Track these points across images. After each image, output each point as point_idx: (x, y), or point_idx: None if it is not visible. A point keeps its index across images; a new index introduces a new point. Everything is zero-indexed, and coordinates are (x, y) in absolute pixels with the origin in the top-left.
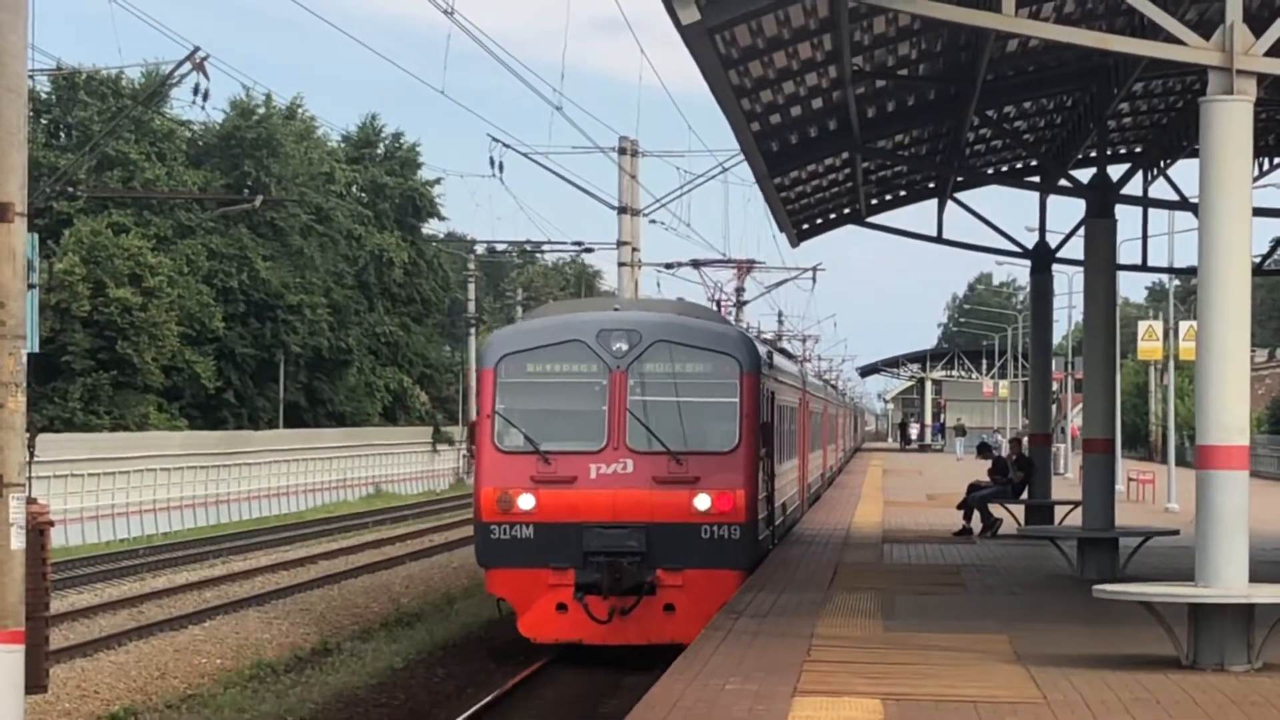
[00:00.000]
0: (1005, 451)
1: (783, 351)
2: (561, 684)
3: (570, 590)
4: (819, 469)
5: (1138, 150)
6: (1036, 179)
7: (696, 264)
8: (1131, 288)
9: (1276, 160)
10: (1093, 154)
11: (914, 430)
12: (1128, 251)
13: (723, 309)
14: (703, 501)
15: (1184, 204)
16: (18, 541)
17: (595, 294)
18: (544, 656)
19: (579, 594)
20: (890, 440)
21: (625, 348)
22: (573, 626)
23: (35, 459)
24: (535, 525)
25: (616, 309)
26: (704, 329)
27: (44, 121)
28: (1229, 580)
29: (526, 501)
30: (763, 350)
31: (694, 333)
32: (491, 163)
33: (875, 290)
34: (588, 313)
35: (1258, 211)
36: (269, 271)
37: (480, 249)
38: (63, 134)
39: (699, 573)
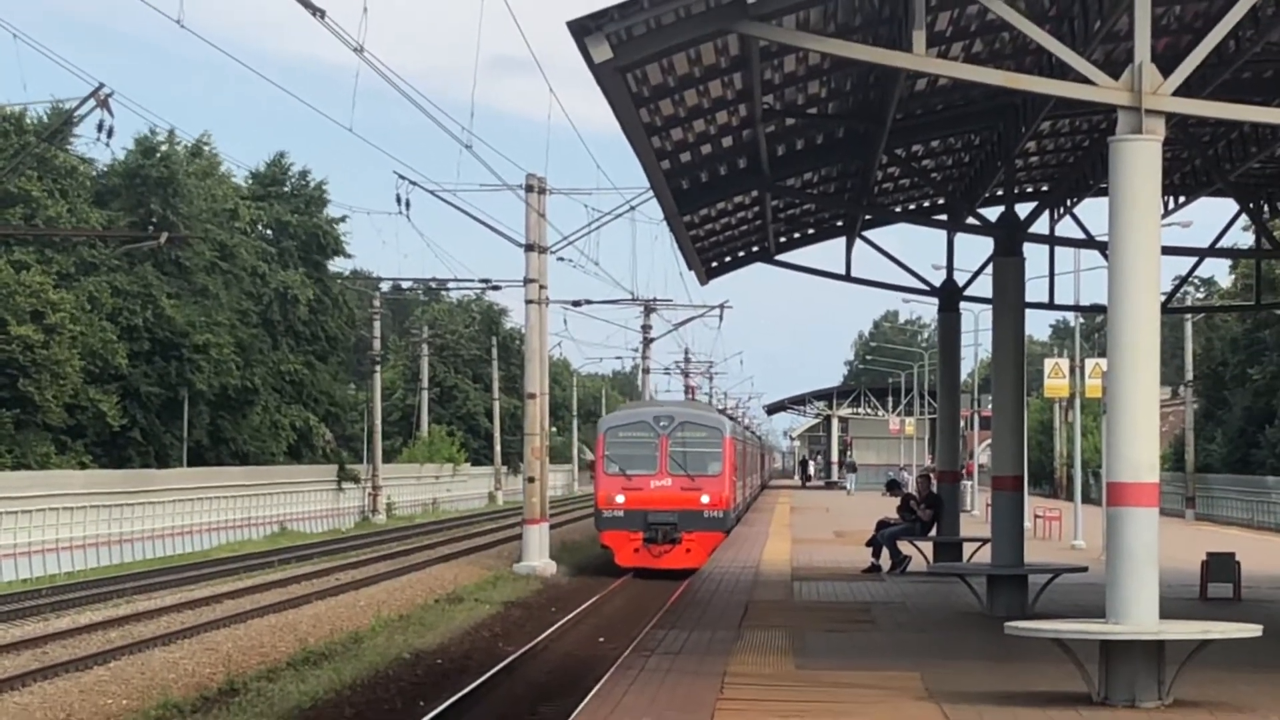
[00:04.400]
0: (912, 488)
1: (733, 419)
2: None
3: (640, 542)
4: (752, 487)
5: (1044, 189)
6: (945, 217)
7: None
8: (1036, 325)
9: (1182, 199)
10: (1000, 193)
11: (812, 467)
12: (1034, 289)
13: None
14: (705, 499)
15: (1090, 242)
16: None
17: (500, 331)
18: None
19: (645, 544)
20: (797, 478)
21: (667, 424)
22: (641, 559)
23: None
24: (625, 510)
25: (662, 405)
26: (705, 415)
27: None
28: (1140, 617)
29: (620, 499)
30: (731, 424)
31: (700, 416)
32: (398, 200)
33: (782, 328)
34: (648, 408)
35: (1163, 250)
36: (174, 309)
37: (386, 286)
38: None
39: (702, 534)
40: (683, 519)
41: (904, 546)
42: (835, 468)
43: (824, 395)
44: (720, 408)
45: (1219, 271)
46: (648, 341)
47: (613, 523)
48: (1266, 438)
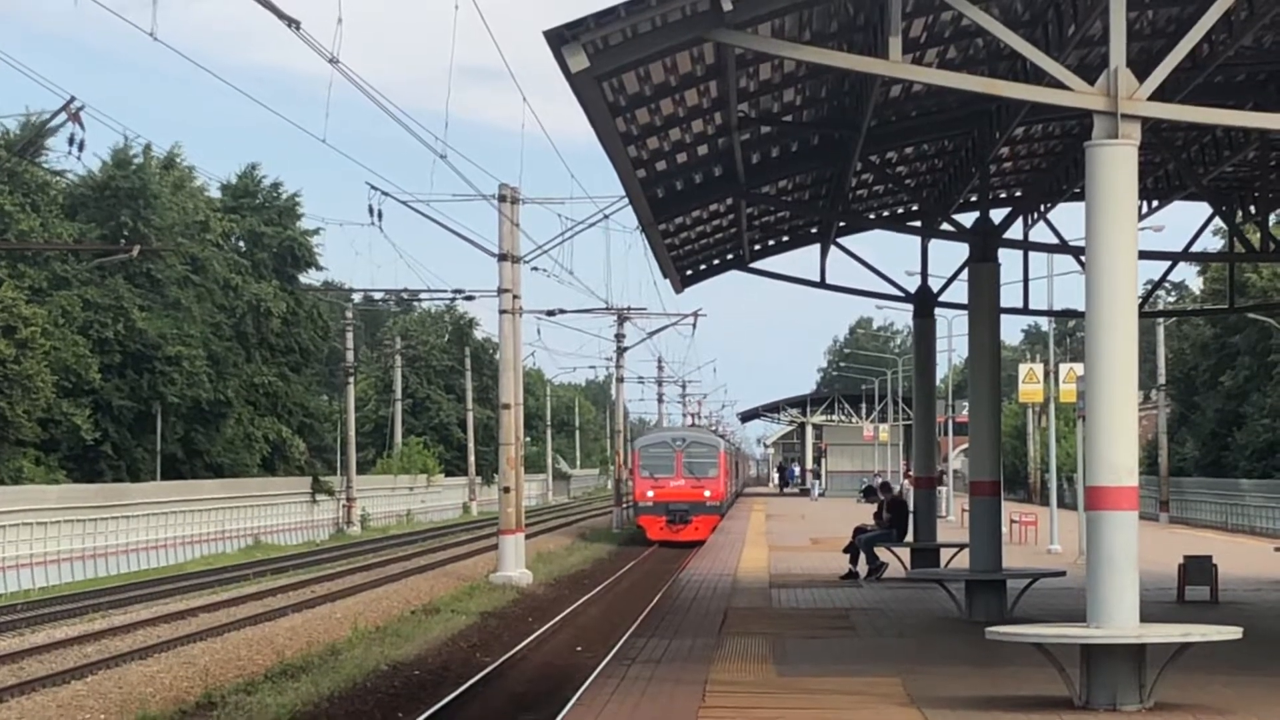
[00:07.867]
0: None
1: (723, 436)
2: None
3: (665, 522)
4: (735, 485)
5: (1018, 194)
6: (919, 223)
7: None
8: (1008, 330)
9: (1155, 203)
10: (974, 198)
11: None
12: (1008, 294)
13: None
14: (707, 494)
15: (1064, 247)
16: None
17: (472, 341)
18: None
19: (668, 524)
20: (770, 485)
21: (681, 443)
22: (665, 534)
23: None
24: (653, 502)
25: (677, 430)
26: (707, 436)
27: None
28: (1121, 620)
29: (651, 493)
30: (724, 442)
31: (703, 438)
32: (370, 210)
33: (756, 335)
34: (668, 432)
35: (1138, 254)
36: (146, 322)
37: (358, 297)
38: None
39: (706, 517)
40: (692, 507)
41: (880, 552)
42: (808, 475)
43: (798, 402)
44: (713, 428)
45: (1189, 276)
46: (621, 350)
47: (645, 510)
48: (1237, 440)
